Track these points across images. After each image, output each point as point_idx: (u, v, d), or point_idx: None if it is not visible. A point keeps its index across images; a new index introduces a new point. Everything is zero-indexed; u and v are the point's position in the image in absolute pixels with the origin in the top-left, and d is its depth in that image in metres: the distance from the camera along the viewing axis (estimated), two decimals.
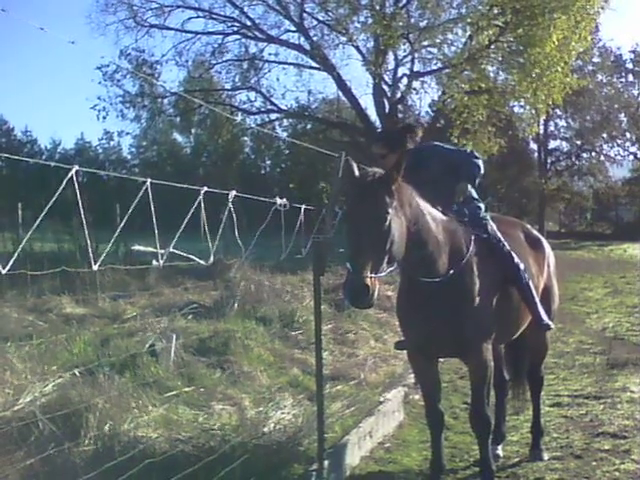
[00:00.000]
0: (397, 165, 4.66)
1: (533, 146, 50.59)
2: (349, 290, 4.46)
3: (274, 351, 8.51)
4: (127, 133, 36.66)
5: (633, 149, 53.76)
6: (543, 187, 47.90)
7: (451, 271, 5.01)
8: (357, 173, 4.73)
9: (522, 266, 5.53)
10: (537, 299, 5.66)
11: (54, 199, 3.42)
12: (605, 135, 51.22)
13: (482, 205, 5.69)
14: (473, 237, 5.26)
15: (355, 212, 4.61)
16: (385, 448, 6.49)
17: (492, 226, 5.60)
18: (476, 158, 5.63)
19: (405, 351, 5.97)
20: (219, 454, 5.13)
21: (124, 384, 6.29)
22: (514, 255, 5.52)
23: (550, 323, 5.80)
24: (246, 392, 6.82)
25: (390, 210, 4.57)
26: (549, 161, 51.60)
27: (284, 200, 4.91)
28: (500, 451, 6.14)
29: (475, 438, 5.53)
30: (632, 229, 47.60)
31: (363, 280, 4.39)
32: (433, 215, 5.00)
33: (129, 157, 51.22)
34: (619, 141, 52.78)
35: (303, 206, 5.36)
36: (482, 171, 5.60)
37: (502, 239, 5.56)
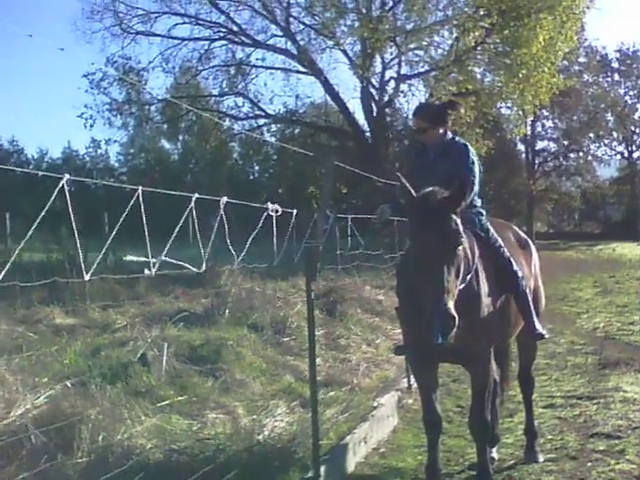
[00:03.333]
0: (464, 185, 4.65)
1: (521, 147, 50.95)
2: (442, 325, 4.31)
3: (266, 358, 8.46)
4: (114, 141, 36.81)
5: (620, 148, 54.20)
6: (531, 188, 48.13)
7: (468, 276, 4.87)
8: (416, 195, 4.65)
9: (520, 273, 5.49)
10: (532, 308, 5.61)
11: (46, 209, 3.39)
12: (592, 135, 51.55)
13: (484, 212, 5.68)
14: (475, 240, 5.19)
15: (429, 239, 4.48)
16: (380, 454, 6.46)
17: (493, 232, 5.57)
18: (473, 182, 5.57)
19: (403, 356, 5.93)
20: (214, 464, 5.09)
21: (116, 394, 6.23)
22: (513, 262, 5.49)
23: (544, 332, 5.75)
24: (239, 400, 6.77)
25: (463, 234, 4.58)
26: (537, 162, 51.87)
27: (276, 205, 4.88)
28: (495, 454, 6.11)
29: (472, 442, 5.51)
30: (620, 228, 47.93)
31: (451, 311, 4.31)
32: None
33: (117, 165, 51.04)
34: (606, 140, 53.20)
35: (295, 211, 5.33)
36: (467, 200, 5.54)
37: (502, 244, 5.53)
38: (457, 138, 5.84)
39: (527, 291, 5.54)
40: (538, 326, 5.63)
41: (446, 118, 5.67)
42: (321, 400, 6.25)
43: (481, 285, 5.09)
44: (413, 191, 4.70)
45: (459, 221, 4.63)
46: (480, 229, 5.44)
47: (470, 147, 5.76)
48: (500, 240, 5.57)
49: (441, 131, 5.66)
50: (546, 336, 5.85)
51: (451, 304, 4.35)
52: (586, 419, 7.11)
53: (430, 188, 4.71)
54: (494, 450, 6.11)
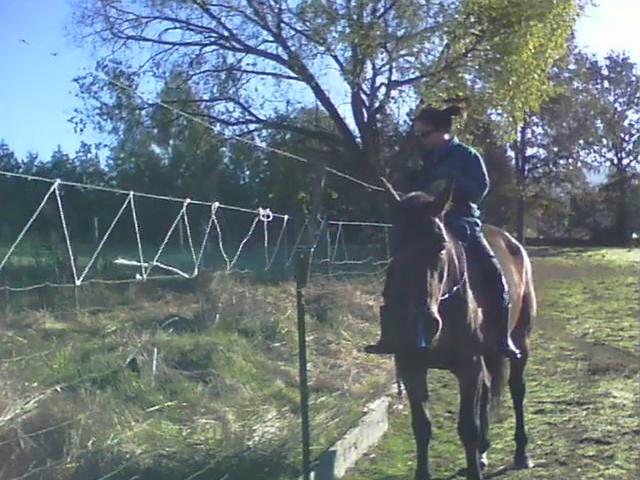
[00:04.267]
0: (447, 191, 4.64)
1: (511, 153, 50.94)
2: (424, 328, 4.28)
3: (257, 363, 8.44)
4: (105, 145, 36.63)
5: (610, 155, 54.31)
6: (521, 194, 48.17)
7: (455, 287, 4.89)
8: (400, 199, 4.68)
9: (507, 288, 5.48)
10: (509, 326, 5.58)
11: (37, 214, 3.38)
12: (582, 141, 51.67)
13: (480, 222, 5.70)
14: (464, 251, 5.19)
15: (412, 242, 4.49)
16: (370, 459, 6.46)
17: (485, 243, 5.57)
18: (485, 187, 5.65)
19: (380, 355, 5.91)
20: (204, 469, 5.07)
21: (106, 399, 6.20)
22: (503, 276, 5.46)
23: (517, 351, 5.69)
24: (229, 405, 6.74)
25: (447, 238, 4.57)
26: (527, 168, 51.94)
27: (267, 211, 4.88)
28: (485, 459, 6.12)
29: (462, 447, 5.51)
30: (610, 235, 48.03)
31: (434, 315, 4.30)
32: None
33: (107, 170, 50.86)
34: (596, 147, 53.29)
35: (286, 217, 5.34)
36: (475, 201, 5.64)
37: (494, 255, 5.53)
38: (464, 145, 5.87)
39: (509, 307, 5.52)
40: (510, 344, 5.58)
41: (449, 123, 5.71)
42: (311, 405, 6.23)
43: (467, 291, 5.09)
44: (397, 196, 4.73)
45: (442, 225, 4.64)
46: (470, 240, 5.42)
47: (477, 154, 5.78)
48: (492, 251, 5.56)
49: (446, 137, 5.71)
50: (518, 356, 5.81)
51: (434, 308, 4.35)
52: (576, 425, 7.13)
53: (414, 192, 4.74)
54: (484, 455, 6.12)
